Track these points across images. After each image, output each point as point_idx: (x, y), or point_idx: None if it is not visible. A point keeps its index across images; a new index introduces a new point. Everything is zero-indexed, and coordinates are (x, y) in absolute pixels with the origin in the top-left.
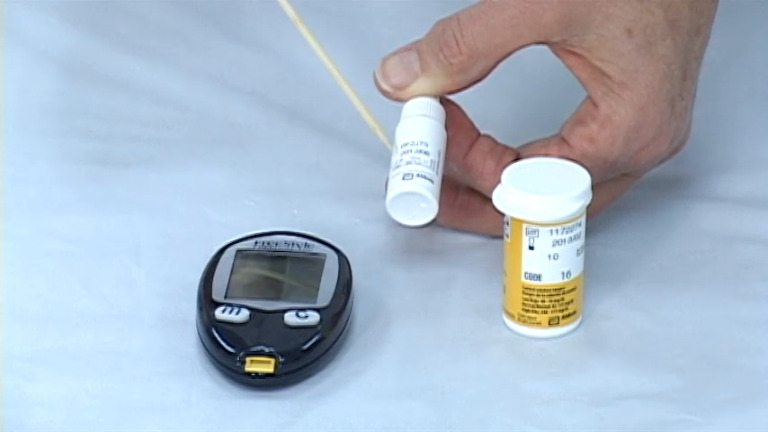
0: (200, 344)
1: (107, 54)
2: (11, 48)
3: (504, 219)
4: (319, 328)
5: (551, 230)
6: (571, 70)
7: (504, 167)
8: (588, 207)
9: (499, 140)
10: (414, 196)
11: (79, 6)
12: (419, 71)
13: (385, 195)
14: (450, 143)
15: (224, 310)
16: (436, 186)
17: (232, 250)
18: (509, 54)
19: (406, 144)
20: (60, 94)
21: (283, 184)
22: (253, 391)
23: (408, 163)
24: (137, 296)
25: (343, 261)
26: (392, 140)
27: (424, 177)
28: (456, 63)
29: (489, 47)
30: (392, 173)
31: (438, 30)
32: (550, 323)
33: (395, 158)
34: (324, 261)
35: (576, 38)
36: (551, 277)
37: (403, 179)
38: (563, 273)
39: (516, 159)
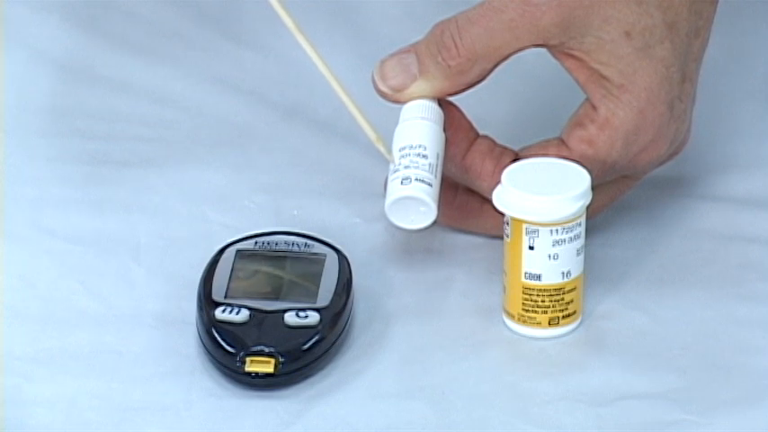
0: (201, 344)
1: (107, 54)
2: (11, 48)
3: (504, 219)
4: (319, 328)
5: (551, 230)
6: (570, 73)
7: (503, 168)
8: (588, 208)
9: (498, 141)
10: (412, 201)
11: (79, 6)
12: (417, 73)
13: (384, 198)
14: (448, 144)
15: (224, 310)
16: (435, 190)
17: (232, 250)
18: (507, 57)
19: (404, 148)
20: (60, 94)
21: (283, 184)
22: (253, 391)
23: (407, 167)
24: (137, 296)
25: (343, 261)
26: (391, 150)
27: (423, 181)
28: (454, 65)
29: (488, 49)
30: (390, 177)
31: (437, 32)
32: (550, 323)
33: (393, 162)
34: (324, 261)
35: (575, 41)
36: (551, 277)
37: (401, 183)
38: (563, 273)
39: (515, 160)
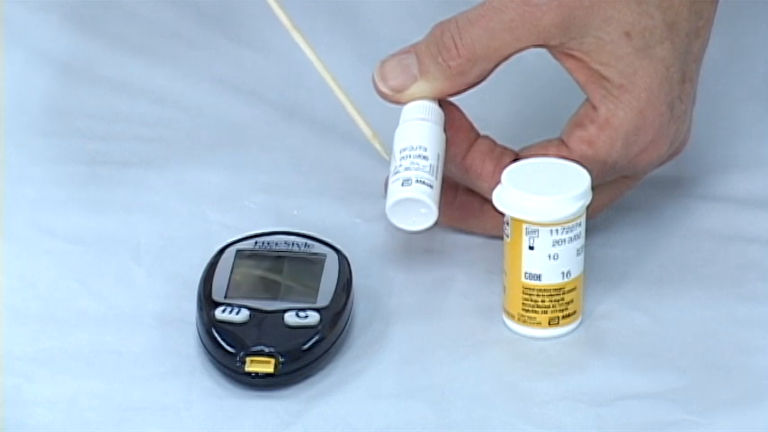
0: (201, 344)
1: (107, 54)
2: (11, 48)
3: (504, 219)
4: (319, 328)
5: (551, 230)
6: (570, 73)
7: (503, 168)
8: (588, 208)
9: (498, 141)
10: (413, 202)
11: (79, 6)
12: (418, 74)
13: (384, 199)
14: (448, 144)
15: (224, 310)
16: (435, 191)
17: (232, 250)
18: (508, 57)
19: (404, 149)
20: (60, 94)
21: (283, 184)
22: (253, 391)
23: (407, 168)
24: (137, 296)
25: (343, 261)
26: (388, 149)
27: (423, 183)
28: (454, 66)
29: (488, 50)
30: (391, 178)
31: (437, 32)
32: (550, 323)
33: (394, 163)
34: (324, 261)
35: (575, 41)
36: (551, 277)
37: (402, 185)
38: (563, 273)
39: (515, 160)
